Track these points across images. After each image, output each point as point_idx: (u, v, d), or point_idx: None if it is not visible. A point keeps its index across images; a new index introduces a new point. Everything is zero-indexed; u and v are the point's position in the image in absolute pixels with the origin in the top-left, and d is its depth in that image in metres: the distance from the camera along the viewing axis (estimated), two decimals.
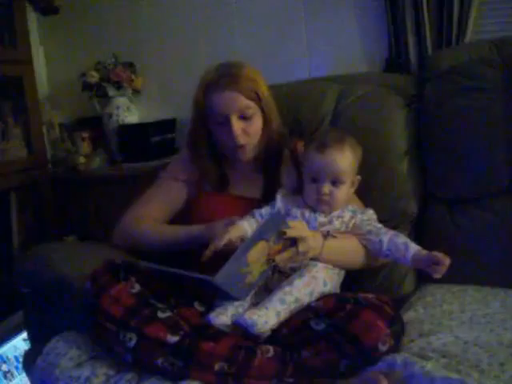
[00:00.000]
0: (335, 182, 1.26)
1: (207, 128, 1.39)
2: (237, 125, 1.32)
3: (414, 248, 1.21)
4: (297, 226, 1.18)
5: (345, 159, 1.26)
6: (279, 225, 1.16)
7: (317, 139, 1.30)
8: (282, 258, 1.17)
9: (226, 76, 1.32)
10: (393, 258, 1.27)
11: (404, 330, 1.13)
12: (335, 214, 1.30)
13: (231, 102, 1.32)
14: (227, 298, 1.16)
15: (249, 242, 1.13)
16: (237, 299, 1.16)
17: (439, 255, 1.15)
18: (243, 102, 1.32)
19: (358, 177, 1.32)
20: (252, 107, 1.34)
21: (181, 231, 1.36)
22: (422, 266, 1.19)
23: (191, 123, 1.43)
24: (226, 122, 1.33)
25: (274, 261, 1.16)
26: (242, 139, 1.34)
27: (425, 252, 1.19)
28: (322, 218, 1.29)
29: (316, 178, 1.27)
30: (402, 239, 1.24)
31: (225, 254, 1.12)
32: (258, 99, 1.35)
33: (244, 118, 1.33)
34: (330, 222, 1.29)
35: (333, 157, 1.25)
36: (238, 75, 1.32)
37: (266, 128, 1.38)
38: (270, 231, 1.14)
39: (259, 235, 1.13)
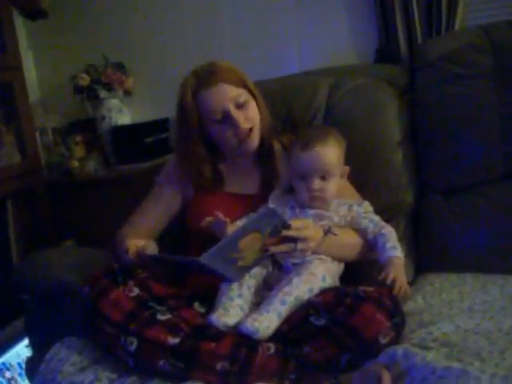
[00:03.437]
0: (324, 177, 1.27)
1: (201, 131, 1.38)
2: (237, 113, 1.33)
3: (389, 257, 1.23)
4: (299, 226, 1.18)
5: (331, 152, 1.27)
6: (275, 222, 1.16)
7: (300, 139, 1.31)
8: (277, 250, 1.18)
9: (208, 74, 1.33)
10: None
11: (404, 321, 1.13)
12: (324, 210, 1.30)
13: (223, 94, 1.32)
14: (222, 278, 1.18)
15: (240, 231, 1.13)
16: (230, 280, 1.17)
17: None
18: (234, 91, 1.33)
19: (346, 167, 1.33)
20: (243, 94, 1.35)
21: None
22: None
23: (180, 129, 1.41)
24: (225, 117, 1.33)
25: (267, 251, 1.17)
26: (246, 124, 1.34)
27: (386, 270, 1.20)
28: (310, 215, 1.28)
29: (304, 176, 1.28)
30: (390, 243, 1.25)
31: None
32: (245, 85, 1.36)
33: (239, 106, 1.34)
34: (321, 219, 1.28)
35: (319, 152, 1.26)
36: (218, 70, 1.34)
37: (260, 112, 1.39)
38: (264, 226, 1.15)
39: (252, 226, 1.14)
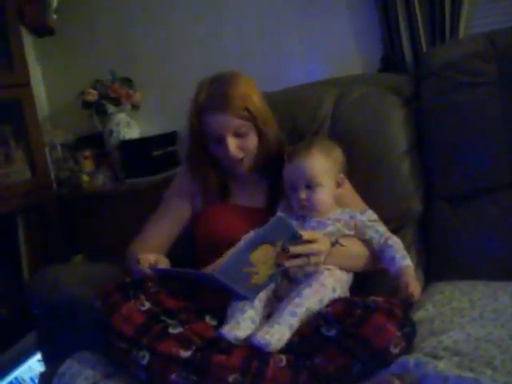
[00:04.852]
0: (310, 187, 1.28)
1: (205, 144, 1.40)
2: (232, 142, 1.34)
3: (402, 266, 1.22)
4: (310, 238, 1.19)
5: (313, 162, 1.28)
6: (286, 233, 1.16)
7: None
8: (292, 264, 1.18)
9: (217, 97, 1.32)
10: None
11: (415, 330, 1.13)
12: (325, 219, 1.30)
13: (224, 123, 1.33)
14: (236, 296, 1.17)
15: (251, 242, 1.14)
16: (245, 298, 1.16)
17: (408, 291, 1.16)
18: (235, 122, 1.33)
19: (341, 175, 1.33)
20: (245, 125, 1.34)
21: None
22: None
23: (188, 139, 1.45)
24: (222, 140, 1.35)
25: (282, 265, 1.17)
26: (238, 154, 1.36)
27: (405, 279, 1.18)
28: (313, 224, 1.29)
29: (292, 187, 1.30)
30: (400, 253, 1.25)
31: None
32: (250, 117, 1.35)
33: (238, 135, 1.35)
34: (321, 226, 1.29)
35: (300, 163, 1.28)
36: (228, 95, 1.32)
37: (262, 141, 1.38)
38: (275, 237, 1.15)
39: (263, 237, 1.14)
